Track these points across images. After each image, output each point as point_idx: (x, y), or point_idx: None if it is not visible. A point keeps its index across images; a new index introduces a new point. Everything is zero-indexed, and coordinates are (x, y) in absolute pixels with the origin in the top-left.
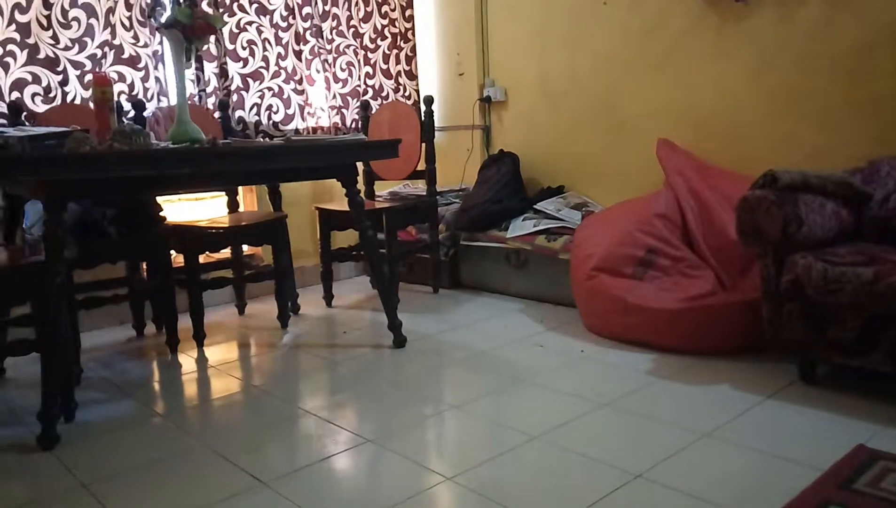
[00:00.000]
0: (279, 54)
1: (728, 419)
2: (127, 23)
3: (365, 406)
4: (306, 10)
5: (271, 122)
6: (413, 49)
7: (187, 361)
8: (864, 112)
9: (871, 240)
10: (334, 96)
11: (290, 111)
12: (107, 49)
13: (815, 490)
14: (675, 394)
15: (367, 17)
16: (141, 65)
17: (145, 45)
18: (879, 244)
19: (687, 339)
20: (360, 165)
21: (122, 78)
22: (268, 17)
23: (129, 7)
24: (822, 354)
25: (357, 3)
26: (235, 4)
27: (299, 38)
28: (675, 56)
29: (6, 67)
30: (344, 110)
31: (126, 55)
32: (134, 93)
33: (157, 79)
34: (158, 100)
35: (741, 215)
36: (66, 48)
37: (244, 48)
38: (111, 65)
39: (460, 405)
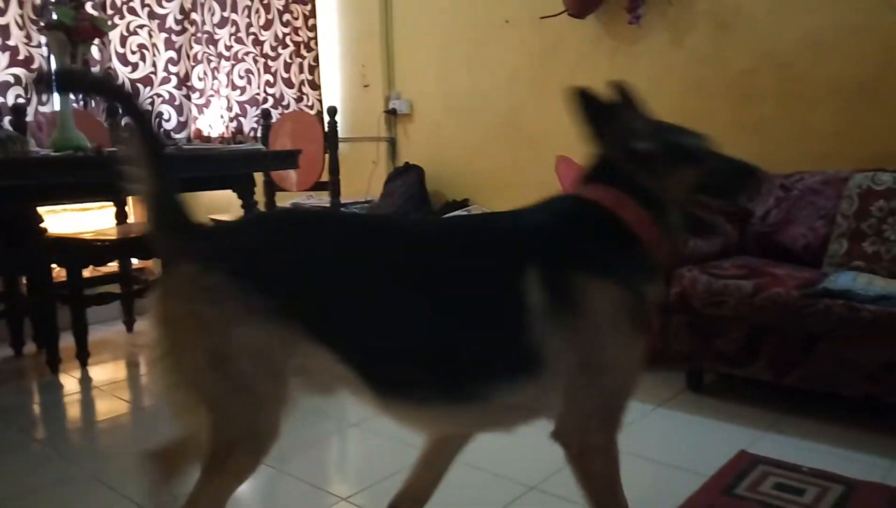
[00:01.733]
0: (171, 59)
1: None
2: (20, 21)
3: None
4: (201, 15)
5: (162, 130)
6: (316, 59)
7: (70, 382)
8: (748, 133)
9: (753, 254)
10: (230, 105)
11: (182, 119)
12: None
13: (700, 497)
14: None
15: (267, 25)
16: (35, 66)
17: (38, 46)
18: (761, 258)
19: None
20: (259, 176)
21: (17, 81)
22: (158, 20)
23: (21, 5)
24: (708, 364)
25: (257, 10)
26: (126, 7)
27: (194, 44)
28: (574, 75)
29: None
30: (242, 119)
31: (22, 56)
32: (28, 96)
33: None
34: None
35: None
36: None
37: (134, 52)
38: (6, 67)
39: (360, 422)
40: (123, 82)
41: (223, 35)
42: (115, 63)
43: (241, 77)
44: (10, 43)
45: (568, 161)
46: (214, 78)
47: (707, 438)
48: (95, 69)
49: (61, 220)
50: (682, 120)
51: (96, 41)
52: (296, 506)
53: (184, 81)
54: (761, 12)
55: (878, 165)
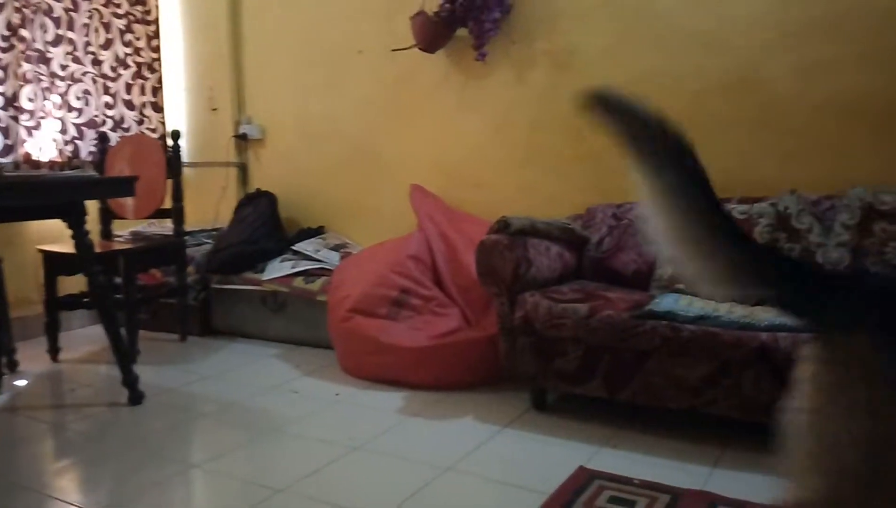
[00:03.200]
0: None
1: (467, 452)
2: None
3: (94, 473)
4: (31, 32)
5: None
6: (160, 80)
7: None
8: (584, 165)
9: (589, 278)
10: (65, 127)
11: (9, 142)
12: None
13: None
14: (422, 431)
15: (107, 45)
16: None
17: None
18: (596, 282)
19: (436, 375)
20: (93, 204)
21: None
22: None
23: None
24: (550, 383)
25: (97, 29)
26: None
27: (23, 62)
28: (425, 107)
29: None
30: (79, 142)
31: None
32: None
33: None
34: None
35: (479, 257)
36: None
37: None
38: None
39: (203, 462)
40: None
41: (57, 54)
42: None
43: (77, 98)
44: None
45: (421, 190)
46: (46, 99)
47: (550, 456)
48: None
49: None
50: (528, 153)
51: None
52: None
53: (11, 102)
54: (595, 54)
55: None
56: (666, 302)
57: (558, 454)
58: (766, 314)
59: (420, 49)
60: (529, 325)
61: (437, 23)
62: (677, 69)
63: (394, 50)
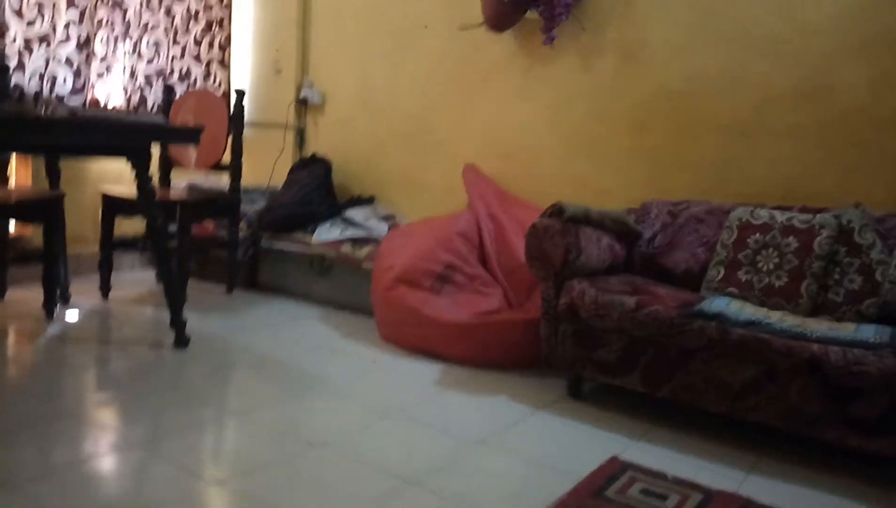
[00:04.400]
0: (72, 20)
1: (500, 429)
2: None
3: (135, 408)
4: None
5: (55, 94)
6: (228, 38)
7: None
8: (643, 159)
9: (638, 273)
10: (135, 75)
11: (79, 84)
12: None
13: (572, 497)
14: (456, 404)
15: None
16: None
17: None
18: (645, 277)
19: (473, 352)
20: (156, 151)
21: None
22: None
23: None
24: (589, 372)
25: None
26: None
27: (99, 7)
28: (486, 88)
29: None
30: (146, 91)
31: None
32: None
33: None
34: None
35: (530, 241)
36: None
37: (31, 7)
38: None
39: (241, 410)
40: (16, 37)
41: (132, 1)
42: (9, 16)
43: (148, 47)
44: None
45: (475, 170)
46: (119, 45)
47: (582, 443)
48: None
49: None
50: (584, 143)
51: None
52: (164, 487)
53: (85, 45)
54: (662, 48)
55: (759, 201)
56: (717, 304)
57: (591, 442)
58: (818, 326)
59: (488, 28)
60: (574, 312)
61: (507, 3)
62: (744, 73)
63: (461, 27)
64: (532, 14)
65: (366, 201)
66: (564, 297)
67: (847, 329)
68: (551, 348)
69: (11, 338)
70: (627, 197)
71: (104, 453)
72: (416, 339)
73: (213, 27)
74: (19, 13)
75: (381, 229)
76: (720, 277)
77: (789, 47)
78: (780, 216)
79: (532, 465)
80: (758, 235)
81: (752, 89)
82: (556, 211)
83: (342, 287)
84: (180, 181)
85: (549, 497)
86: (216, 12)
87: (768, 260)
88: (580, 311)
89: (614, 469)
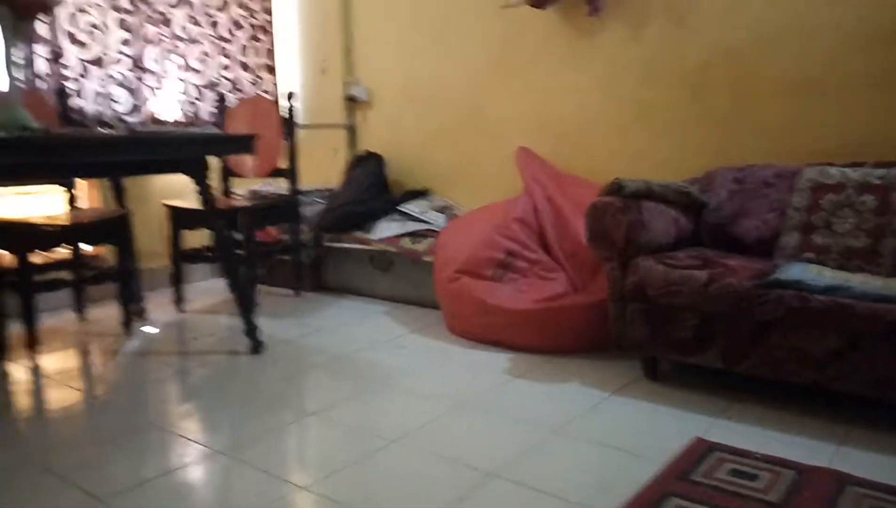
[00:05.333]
0: (124, 40)
1: (577, 416)
2: None
3: (217, 416)
4: None
5: (113, 112)
6: (273, 43)
7: (18, 370)
8: (703, 126)
9: (706, 245)
10: (186, 88)
11: (135, 101)
12: None
13: (658, 482)
14: (528, 392)
15: (223, 7)
16: None
17: None
18: (713, 249)
19: (541, 338)
20: (215, 162)
21: None
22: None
23: None
24: (663, 352)
25: None
26: None
27: (147, 24)
28: (534, 66)
29: None
30: (199, 103)
31: None
32: None
33: None
34: None
35: (590, 221)
36: None
37: (85, 32)
38: None
39: (319, 410)
40: (72, 63)
41: (178, 16)
42: (65, 42)
43: (197, 60)
44: None
45: (528, 152)
46: (169, 60)
47: (663, 425)
48: (43, 48)
49: (8, 204)
50: (639, 113)
51: (42, 17)
52: (254, 495)
53: (137, 63)
54: (715, 7)
55: (828, 160)
56: (793, 271)
57: (672, 423)
58: None
59: (530, 5)
60: (642, 291)
61: None
62: (810, 24)
63: (503, 6)
64: None
65: (420, 193)
66: (631, 276)
67: None
68: (621, 329)
69: (94, 355)
70: (688, 167)
71: (191, 462)
72: (482, 329)
73: (258, 33)
74: (73, 38)
75: (438, 220)
76: (794, 242)
77: None
78: (854, 174)
79: (613, 451)
80: (831, 195)
81: (820, 40)
82: (616, 188)
83: (405, 282)
84: (241, 190)
85: (633, 483)
86: (259, 18)
87: (844, 221)
88: (648, 289)
89: (700, 451)
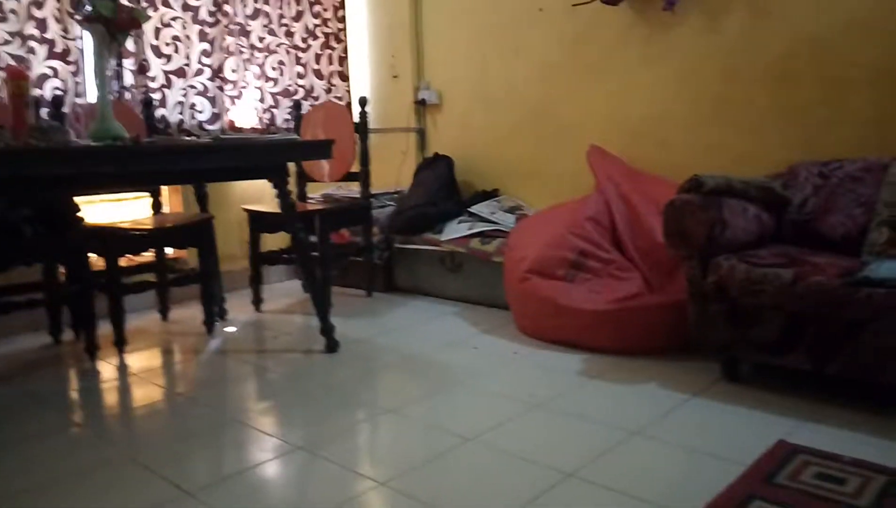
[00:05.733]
0: (204, 51)
1: (655, 418)
2: (58, 14)
3: (295, 413)
4: (233, 7)
5: (195, 120)
6: (345, 50)
7: (107, 368)
8: (786, 119)
9: (790, 243)
10: (263, 96)
11: (215, 110)
12: (34, 43)
13: (741, 485)
14: (604, 393)
15: (298, 17)
16: (72, 58)
17: (75, 39)
18: (798, 247)
19: (615, 339)
20: (291, 167)
21: (55, 73)
22: (192, 12)
23: None
24: (745, 353)
25: (288, 2)
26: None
27: (227, 35)
28: (606, 64)
29: None
30: (275, 110)
31: (59, 49)
32: (64, 88)
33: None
34: (76, 95)
35: (668, 219)
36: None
37: (168, 44)
38: (45, 59)
39: (393, 409)
40: (157, 74)
41: (255, 27)
42: (149, 55)
43: (273, 68)
44: (48, 36)
45: (600, 150)
46: (247, 70)
47: (745, 427)
48: (130, 61)
49: (98, 210)
50: (718, 107)
51: (132, 33)
52: (333, 489)
53: (217, 73)
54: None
55: None
56: (884, 268)
57: (754, 426)
58: None
59: (603, 2)
60: (723, 290)
61: None
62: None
63: (575, 5)
64: None
65: (490, 194)
66: (712, 275)
67: None
68: (700, 330)
69: (177, 355)
70: (771, 160)
71: (270, 458)
72: (553, 330)
73: (331, 41)
74: (158, 51)
75: (508, 221)
76: (884, 239)
77: None
78: None
79: (693, 453)
80: None
81: None
82: (695, 184)
83: (475, 282)
84: (315, 194)
85: (714, 486)
86: (332, 26)
87: None
88: (730, 289)
89: (783, 454)
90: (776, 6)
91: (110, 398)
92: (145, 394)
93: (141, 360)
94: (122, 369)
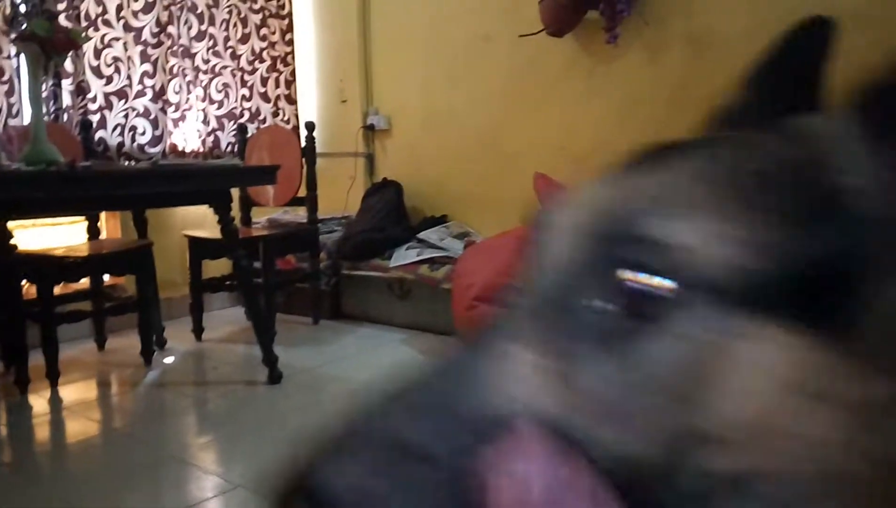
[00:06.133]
0: (146, 72)
1: None
2: None
3: (235, 448)
4: (177, 28)
5: (135, 144)
6: (293, 73)
7: (39, 402)
8: None
9: None
10: (207, 119)
11: (157, 133)
12: None
13: None
14: None
15: (244, 39)
16: (5, 78)
17: (8, 57)
18: None
19: None
20: (235, 191)
21: None
22: (134, 33)
23: None
24: None
25: (235, 24)
26: (100, 19)
27: (170, 57)
28: (551, 94)
29: None
30: (219, 133)
31: None
32: None
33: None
34: (10, 116)
35: None
36: None
37: (108, 65)
38: None
39: None
40: (96, 95)
41: (200, 48)
42: (89, 75)
43: (218, 91)
44: None
45: (546, 178)
46: (190, 92)
47: None
48: (68, 81)
49: (31, 235)
50: (663, 136)
51: (70, 53)
52: None
53: (159, 95)
54: (735, 33)
55: None
56: None
57: None
58: None
59: (548, 34)
60: None
61: (566, 6)
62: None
63: (521, 36)
64: (592, 14)
65: (439, 220)
66: None
67: None
68: None
69: (114, 387)
70: None
71: (210, 496)
72: None
73: (278, 64)
74: (98, 71)
75: (456, 247)
76: None
77: (876, 20)
78: None
79: None
80: None
81: (845, 68)
82: None
83: (423, 309)
84: (261, 219)
85: None
86: (279, 49)
87: None
88: None
89: None
90: (715, 42)
91: (41, 433)
92: (79, 430)
93: (75, 393)
94: (56, 402)
